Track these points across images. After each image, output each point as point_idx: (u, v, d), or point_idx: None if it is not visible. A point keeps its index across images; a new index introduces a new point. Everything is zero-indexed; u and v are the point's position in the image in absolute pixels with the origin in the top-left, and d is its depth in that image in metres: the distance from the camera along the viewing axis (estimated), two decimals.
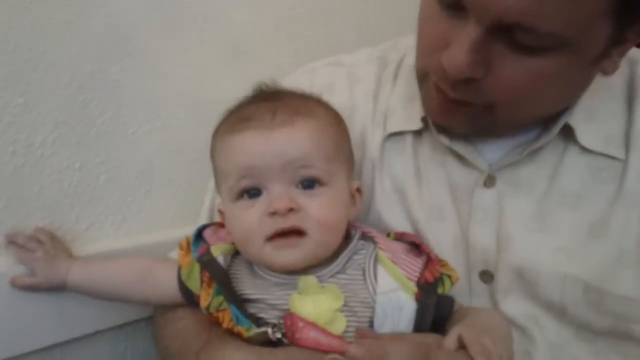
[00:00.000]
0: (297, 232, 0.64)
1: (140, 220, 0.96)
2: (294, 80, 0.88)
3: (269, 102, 0.68)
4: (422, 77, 0.71)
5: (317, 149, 0.66)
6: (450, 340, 0.58)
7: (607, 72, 0.67)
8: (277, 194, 0.64)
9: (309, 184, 0.66)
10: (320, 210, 0.65)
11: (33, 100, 0.79)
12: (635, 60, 0.74)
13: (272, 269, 0.67)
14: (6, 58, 0.76)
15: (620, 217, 0.70)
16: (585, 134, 0.71)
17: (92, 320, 0.89)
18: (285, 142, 0.65)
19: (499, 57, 0.61)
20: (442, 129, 0.75)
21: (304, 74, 0.89)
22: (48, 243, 0.80)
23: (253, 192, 0.66)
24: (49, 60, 0.80)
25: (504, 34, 0.59)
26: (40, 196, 0.82)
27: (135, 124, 0.92)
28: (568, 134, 0.72)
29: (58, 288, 0.80)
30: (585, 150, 0.72)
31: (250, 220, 0.65)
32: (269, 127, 0.65)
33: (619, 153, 0.71)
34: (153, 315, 0.85)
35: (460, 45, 0.60)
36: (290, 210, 0.63)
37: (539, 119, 0.72)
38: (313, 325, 0.62)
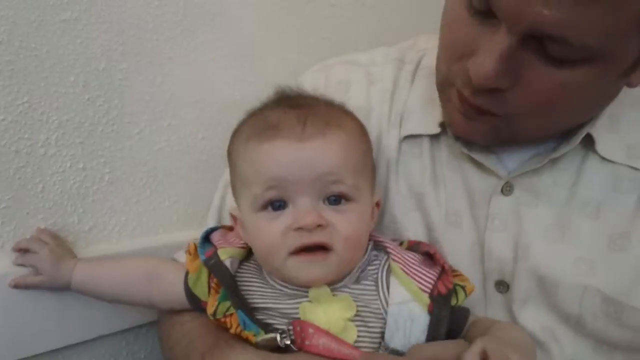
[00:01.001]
0: (322, 248, 0.64)
1: (144, 222, 0.96)
2: (309, 78, 0.88)
3: (296, 109, 0.67)
4: (445, 84, 0.70)
5: (347, 163, 0.66)
6: (473, 352, 0.56)
7: (632, 85, 0.66)
8: (304, 208, 0.64)
9: (337, 199, 0.65)
10: (347, 227, 0.65)
11: (37, 99, 0.80)
12: None
13: (294, 283, 0.67)
14: (11, 56, 0.76)
15: None
16: (605, 144, 0.71)
17: (93, 326, 0.89)
18: (317, 154, 0.64)
19: (527, 68, 0.60)
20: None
21: (319, 71, 0.89)
22: (52, 242, 0.80)
23: (277, 204, 0.65)
24: (54, 59, 0.80)
25: (535, 44, 0.59)
26: (42, 196, 0.82)
27: (141, 123, 0.92)
28: (588, 143, 0.71)
29: (62, 287, 0.80)
30: (605, 159, 0.71)
31: (274, 233, 0.65)
32: (300, 138, 0.64)
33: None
34: (158, 316, 0.84)
35: (490, 54, 0.60)
36: (318, 226, 0.63)
37: (562, 131, 0.72)
38: (324, 331, 0.62)
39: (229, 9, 1.01)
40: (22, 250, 0.80)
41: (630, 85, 0.66)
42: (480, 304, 0.74)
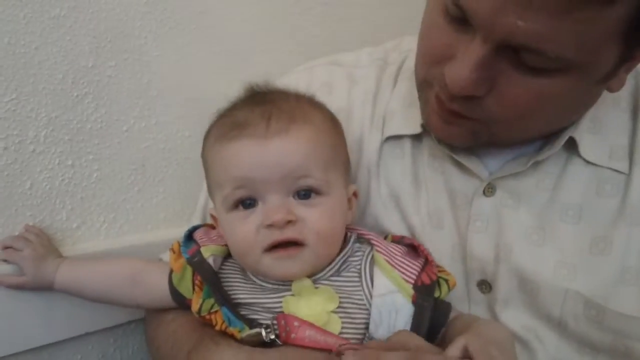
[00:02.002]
0: (295, 243, 0.65)
1: (132, 219, 0.97)
2: (292, 79, 0.89)
3: (262, 106, 0.68)
4: (423, 86, 0.72)
5: (314, 157, 0.67)
6: (454, 349, 0.57)
7: (612, 89, 0.67)
8: (274, 205, 0.65)
9: (306, 193, 0.66)
10: (318, 222, 0.66)
11: (26, 96, 0.81)
12: (638, 69, 0.75)
13: (271, 279, 0.68)
14: (0, 53, 0.78)
15: (623, 234, 0.70)
16: (588, 146, 0.72)
17: (80, 322, 0.90)
18: (282, 152, 0.65)
19: (503, 76, 0.61)
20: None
21: (302, 72, 0.90)
22: (36, 241, 0.81)
23: (248, 202, 0.67)
24: (43, 55, 0.82)
25: (510, 53, 0.59)
26: (31, 193, 0.84)
27: (129, 121, 0.94)
28: (571, 146, 0.72)
29: (46, 288, 0.81)
30: (588, 162, 0.72)
31: (247, 232, 0.66)
32: (264, 135, 0.65)
33: (623, 167, 0.71)
34: (145, 316, 0.86)
35: (466, 62, 0.61)
36: (288, 222, 0.64)
37: (542, 135, 0.73)
38: (308, 324, 0.64)
39: (217, 7, 1.03)
40: (6, 247, 0.81)
41: (610, 90, 0.67)
42: (464, 303, 0.76)
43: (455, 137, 0.72)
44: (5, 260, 0.81)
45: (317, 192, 0.67)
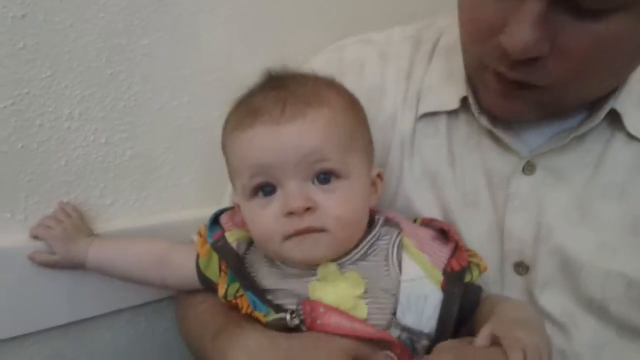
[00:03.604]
0: (315, 230, 0.66)
1: (163, 198, 1.00)
2: (323, 58, 0.90)
3: (276, 91, 0.68)
4: (478, 69, 0.70)
5: (331, 140, 0.66)
6: (482, 338, 0.58)
7: None
8: (292, 191, 0.65)
9: (325, 177, 0.66)
10: (339, 207, 0.66)
11: (61, 73, 0.83)
12: None
13: (294, 264, 0.69)
14: (35, 30, 0.80)
15: None
16: (633, 120, 0.71)
17: (111, 299, 0.93)
18: (297, 136, 0.65)
19: (564, 29, 0.60)
20: (482, 110, 0.75)
21: (333, 52, 0.90)
22: (67, 221, 0.84)
23: (268, 189, 0.67)
24: (77, 33, 0.84)
25: (565, 2, 0.58)
26: (65, 170, 0.86)
27: (162, 99, 0.96)
28: (615, 120, 0.71)
29: (77, 267, 0.84)
30: (632, 138, 0.71)
31: (267, 220, 0.66)
32: (278, 121, 0.65)
33: None
34: (176, 296, 0.88)
35: (524, 22, 0.59)
36: (307, 209, 0.64)
37: (608, 91, 0.71)
38: (335, 309, 0.64)
39: None
40: (37, 224, 0.84)
41: None
42: (497, 285, 0.75)
43: (519, 113, 0.71)
44: (36, 237, 0.84)
45: (337, 175, 0.67)
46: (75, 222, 0.85)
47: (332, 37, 0.96)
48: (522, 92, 0.67)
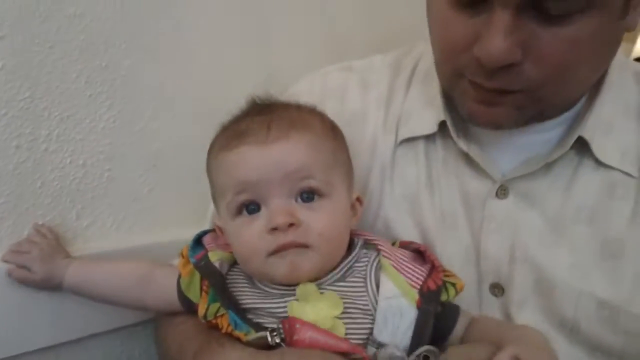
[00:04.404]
0: (299, 246, 0.67)
1: (142, 219, 0.99)
2: (306, 84, 0.92)
3: (262, 115, 0.71)
4: (453, 80, 0.73)
5: (315, 160, 0.69)
6: (504, 356, 0.60)
7: (631, 27, 0.69)
8: (277, 208, 0.67)
9: (309, 196, 0.69)
10: (321, 223, 0.68)
11: (39, 95, 0.83)
12: None
13: (278, 281, 0.70)
14: (14, 50, 0.80)
15: (636, 238, 0.72)
16: (601, 147, 0.74)
17: (87, 323, 0.92)
18: (282, 154, 0.68)
19: (533, 36, 0.63)
20: (459, 133, 0.78)
21: (316, 78, 0.93)
22: (43, 242, 0.83)
23: (252, 208, 0.69)
24: (57, 54, 0.84)
25: (532, 10, 0.62)
26: (42, 192, 0.86)
27: (143, 120, 0.96)
28: (583, 148, 0.74)
29: (54, 288, 0.83)
30: (600, 165, 0.74)
31: (251, 237, 0.68)
32: (264, 141, 0.68)
33: (634, 170, 0.74)
34: (155, 318, 0.88)
35: (495, 33, 0.62)
36: (291, 225, 0.66)
37: (583, 92, 0.74)
38: (310, 325, 0.65)
39: (232, 7, 1.04)
40: (12, 252, 0.83)
41: (629, 28, 0.69)
42: (475, 307, 0.77)
43: (500, 119, 0.73)
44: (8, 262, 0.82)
45: (320, 194, 0.69)
46: (52, 242, 0.85)
47: (317, 61, 0.98)
48: (502, 98, 0.69)
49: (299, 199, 0.69)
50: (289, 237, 0.67)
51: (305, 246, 0.67)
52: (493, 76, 0.66)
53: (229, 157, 0.70)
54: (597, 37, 0.64)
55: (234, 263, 0.75)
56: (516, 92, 0.68)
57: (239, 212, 0.70)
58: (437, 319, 0.69)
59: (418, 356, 0.65)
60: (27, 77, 0.81)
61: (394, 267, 0.70)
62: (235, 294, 0.72)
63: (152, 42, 0.94)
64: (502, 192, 0.77)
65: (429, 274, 0.70)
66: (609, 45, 0.70)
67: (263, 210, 0.69)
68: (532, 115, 0.72)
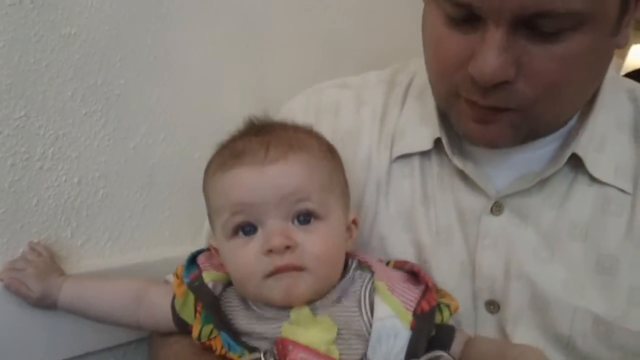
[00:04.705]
0: (295, 269, 0.67)
1: (137, 237, 1.00)
2: (302, 100, 0.92)
3: (260, 136, 0.71)
4: (449, 99, 0.73)
5: (312, 181, 0.69)
6: None
7: (621, 45, 0.70)
8: (273, 229, 0.67)
9: (305, 218, 0.69)
10: (317, 246, 0.68)
11: (35, 113, 0.84)
12: (636, 95, 0.79)
13: (273, 304, 0.69)
14: (10, 70, 0.81)
15: (630, 254, 0.73)
16: (595, 163, 0.75)
17: (82, 341, 0.92)
18: (280, 176, 0.68)
19: (526, 53, 0.64)
20: (454, 150, 0.79)
21: (311, 95, 0.93)
22: (37, 260, 0.83)
23: (248, 229, 0.69)
24: (53, 73, 0.85)
25: (525, 28, 0.63)
26: (37, 210, 0.86)
27: (137, 137, 0.97)
28: (577, 164, 0.75)
29: (49, 307, 0.83)
30: (594, 181, 0.75)
31: (247, 259, 0.68)
32: (262, 162, 0.68)
33: (628, 186, 0.74)
34: (149, 336, 0.88)
35: (488, 51, 0.63)
36: (287, 247, 0.66)
37: (577, 109, 0.75)
38: (303, 346, 0.65)
39: (226, 27, 1.06)
40: (6, 271, 0.83)
41: (619, 45, 0.70)
42: (470, 324, 0.77)
43: (496, 137, 0.73)
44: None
45: (316, 216, 0.69)
46: (47, 260, 0.85)
47: (313, 77, 0.98)
48: (497, 116, 0.70)
49: (296, 221, 0.69)
50: (285, 259, 0.67)
51: (301, 269, 0.67)
52: (487, 94, 0.67)
53: (226, 177, 0.70)
54: (589, 54, 0.65)
55: (228, 284, 0.75)
56: (511, 110, 0.69)
57: (234, 233, 0.70)
58: (431, 340, 0.70)
59: None
60: (22, 95, 0.82)
61: (388, 288, 0.70)
62: (228, 315, 0.72)
63: (146, 60, 0.95)
64: (496, 208, 0.77)
65: (423, 295, 0.70)
66: (601, 62, 0.71)
67: (259, 231, 0.69)
68: (528, 133, 0.73)
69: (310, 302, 0.69)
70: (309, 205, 0.69)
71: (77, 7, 0.86)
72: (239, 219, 0.69)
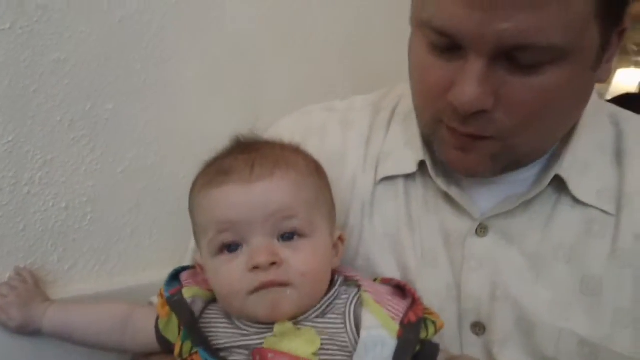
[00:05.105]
0: (280, 285, 0.68)
1: (124, 261, 1.00)
2: (290, 122, 0.94)
3: (246, 154, 0.72)
4: (433, 125, 0.75)
5: (298, 199, 0.70)
6: None
7: (602, 79, 0.72)
8: (258, 246, 0.68)
9: (290, 235, 0.70)
10: (303, 262, 0.69)
11: (23, 138, 0.84)
12: (618, 119, 0.81)
13: (258, 320, 0.70)
14: None
15: (613, 275, 0.74)
16: (577, 186, 0.76)
17: None
18: (265, 194, 0.69)
19: (505, 84, 0.66)
20: (438, 172, 0.80)
21: (299, 117, 0.94)
22: (21, 287, 0.83)
23: (234, 247, 0.70)
24: (41, 98, 0.85)
25: (505, 60, 0.64)
26: (24, 235, 0.86)
27: (125, 162, 0.97)
28: (560, 186, 0.76)
29: (34, 333, 0.83)
30: (577, 202, 0.76)
31: (232, 276, 0.69)
32: (248, 180, 0.69)
33: (610, 208, 0.75)
34: (132, 358, 0.87)
35: (468, 80, 0.65)
36: (273, 264, 0.67)
37: (556, 140, 0.77)
38: (282, 354, 0.66)
39: (216, 52, 1.07)
40: None
41: (600, 80, 0.72)
42: (456, 346, 0.78)
43: (475, 166, 0.75)
44: None
45: (301, 234, 0.70)
46: (30, 288, 0.85)
47: (300, 101, 0.99)
48: (476, 144, 0.71)
49: (281, 238, 0.69)
50: (270, 275, 0.67)
51: (286, 284, 0.68)
52: (466, 121, 0.69)
53: (212, 195, 0.71)
54: (568, 87, 0.67)
55: (212, 300, 0.76)
56: (490, 139, 0.70)
57: (220, 250, 0.70)
58: (416, 356, 0.70)
59: None
60: (11, 120, 0.83)
61: (376, 300, 0.70)
62: (212, 331, 0.72)
63: (135, 86, 0.96)
64: (481, 230, 0.78)
65: (410, 307, 0.71)
66: (581, 95, 0.72)
67: (244, 248, 0.69)
68: (507, 164, 0.74)
69: (294, 318, 0.69)
70: (294, 223, 0.69)
71: (66, 33, 0.87)
72: (224, 237, 0.70)
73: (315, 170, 0.76)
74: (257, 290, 0.68)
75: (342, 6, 1.35)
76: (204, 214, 0.72)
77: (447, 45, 0.66)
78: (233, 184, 0.69)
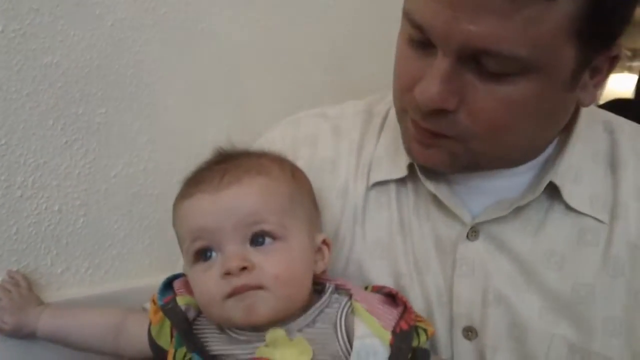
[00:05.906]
0: (254, 289, 0.68)
1: (117, 265, 1.00)
2: (279, 131, 0.93)
3: (222, 164, 0.73)
4: (401, 115, 0.76)
5: (267, 204, 0.71)
6: None
7: (584, 103, 0.72)
8: (230, 253, 0.69)
9: (261, 240, 0.70)
10: (276, 266, 0.69)
11: (15, 141, 0.85)
12: (612, 127, 0.81)
13: (236, 324, 0.70)
14: None
15: (605, 284, 0.74)
16: (571, 193, 0.76)
17: None
18: (233, 200, 0.70)
19: (469, 88, 0.66)
20: (428, 175, 0.79)
21: (288, 125, 0.94)
22: (14, 291, 0.84)
23: (208, 255, 0.70)
24: (34, 102, 0.86)
25: (472, 63, 0.65)
26: (17, 238, 0.87)
27: (118, 166, 0.98)
28: (553, 193, 0.76)
29: (26, 337, 0.83)
30: (570, 210, 0.76)
31: (208, 283, 0.69)
32: (217, 188, 0.70)
33: (604, 217, 0.75)
34: None
35: (432, 77, 0.66)
36: (244, 268, 0.68)
37: (524, 154, 0.77)
38: None
39: (207, 58, 1.08)
40: None
41: (582, 104, 0.72)
42: (447, 350, 0.78)
43: (434, 160, 0.75)
44: None
45: (274, 237, 0.70)
46: (23, 291, 0.85)
47: (291, 108, 1.00)
48: (436, 140, 0.72)
49: (253, 243, 0.70)
50: (243, 279, 0.68)
51: (259, 288, 0.68)
52: (426, 117, 0.69)
53: (185, 205, 0.72)
54: (535, 102, 0.67)
55: None
56: (449, 138, 0.71)
57: (196, 259, 0.71)
58: None
59: None
60: (3, 124, 0.83)
61: (367, 309, 0.71)
62: (204, 339, 0.73)
63: (127, 89, 0.97)
64: (472, 234, 0.78)
65: (402, 316, 0.71)
66: (552, 114, 0.72)
67: (218, 256, 0.70)
68: (466, 164, 0.75)
69: (277, 322, 0.70)
70: (264, 227, 0.70)
71: (58, 37, 0.88)
72: (197, 244, 0.71)
73: (291, 176, 0.76)
74: (230, 295, 0.68)
75: (328, 20, 1.36)
76: (179, 225, 0.74)
77: (422, 40, 0.67)
78: (202, 193, 0.71)
